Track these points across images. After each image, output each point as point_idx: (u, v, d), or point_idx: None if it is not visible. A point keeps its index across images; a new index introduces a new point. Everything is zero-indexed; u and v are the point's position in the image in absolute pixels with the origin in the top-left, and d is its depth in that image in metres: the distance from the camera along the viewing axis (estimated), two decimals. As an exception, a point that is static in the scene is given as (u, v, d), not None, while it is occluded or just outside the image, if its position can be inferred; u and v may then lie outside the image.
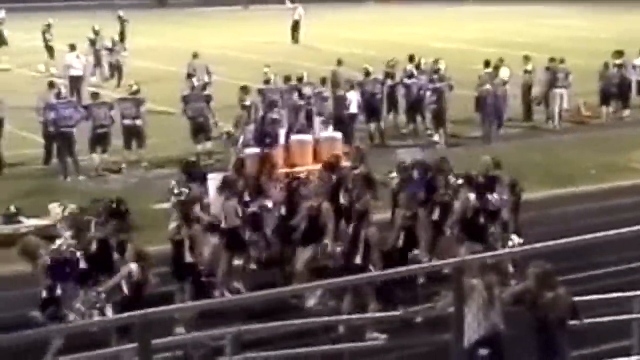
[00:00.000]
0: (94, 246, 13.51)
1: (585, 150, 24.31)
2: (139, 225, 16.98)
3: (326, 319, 12.93)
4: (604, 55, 28.70)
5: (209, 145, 22.83)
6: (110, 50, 33.11)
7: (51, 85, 23.32)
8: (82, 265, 12.88)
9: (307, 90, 24.00)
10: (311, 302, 14.25)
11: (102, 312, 12.30)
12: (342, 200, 15.76)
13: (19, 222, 17.74)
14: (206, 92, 23.64)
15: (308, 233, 14.67)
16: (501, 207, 14.71)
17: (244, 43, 45.00)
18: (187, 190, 15.41)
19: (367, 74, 25.20)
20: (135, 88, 22.76)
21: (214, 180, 16.88)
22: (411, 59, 26.75)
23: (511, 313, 10.38)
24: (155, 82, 30.18)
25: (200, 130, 22.84)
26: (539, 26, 52.87)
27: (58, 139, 22.05)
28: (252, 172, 16.69)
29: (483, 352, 10.08)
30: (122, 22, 39.82)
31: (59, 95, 22.45)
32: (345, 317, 13.06)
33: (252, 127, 22.02)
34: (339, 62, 27.20)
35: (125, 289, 12.42)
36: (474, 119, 25.69)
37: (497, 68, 26.15)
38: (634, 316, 10.93)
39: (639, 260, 14.66)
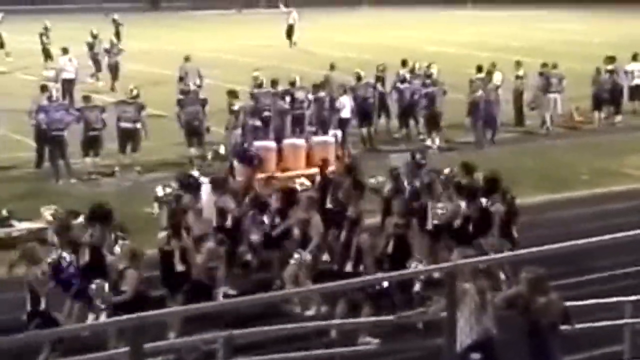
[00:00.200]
0: (86, 255, 13.53)
1: (577, 155, 24.36)
2: (130, 229, 17.02)
3: (318, 323, 12.93)
4: (598, 60, 28.78)
5: (201, 150, 22.81)
6: (108, 52, 33.02)
7: (43, 88, 23.27)
8: (72, 271, 12.97)
9: (299, 94, 24.02)
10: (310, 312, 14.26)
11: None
12: (329, 204, 15.80)
13: (11, 225, 17.68)
14: (201, 96, 23.60)
15: (301, 242, 14.67)
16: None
17: (237, 46, 44.99)
18: (170, 191, 15.46)
19: (359, 78, 25.22)
20: (135, 92, 22.78)
21: (207, 185, 16.89)
22: (404, 63, 26.80)
23: (503, 317, 10.39)
24: (148, 85, 30.10)
25: (194, 134, 22.82)
26: (534, 30, 52.95)
27: (49, 142, 22.01)
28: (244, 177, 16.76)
29: (475, 356, 10.09)
30: (117, 25, 39.77)
31: (50, 98, 22.42)
32: (337, 321, 13.06)
33: (239, 131, 22.07)
34: (332, 67, 27.21)
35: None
36: (467, 123, 25.69)
37: (490, 73, 26.19)
38: (626, 321, 10.94)
39: (631, 265, 14.67)
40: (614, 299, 11.46)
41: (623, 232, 8.72)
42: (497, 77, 26.31)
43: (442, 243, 14.80)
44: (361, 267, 13.38)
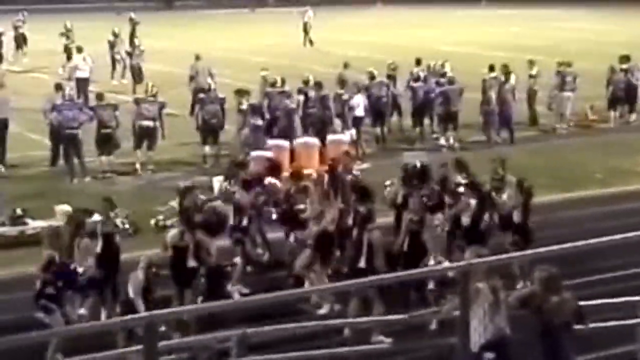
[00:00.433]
0: (99, 244, 13.67)
1: (591, 154, 24.30)
2: (143, 227, 17.12)
3: (331, 321, 12.93)
4: (614, 59, 28.65)
5: (215, 148, 22.83)
6: (130, 54, 32.93)
7: (58, 87, 23.35)
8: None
9: (312, 93, 24.02)
10: (324, 310, 14.27)
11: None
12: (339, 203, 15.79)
13: (25, 223, 17.77)
14: (220, 95, 23.60)
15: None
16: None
17: (250, 45, 45.02)
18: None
19: (372, 77, 25.20)
20: (155, 90, 22.87)
21: (219, 183, 16.95)
22: (418, 62, 26.77)
23: (516, 317, 10.38)
24: (162, 84, 30.17)
25: (210, 132, 22.83)
26: (548, 29, 52.80)
27: (64, 141, 22.08)
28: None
29: (488, 355, 10.07)
30: (134, 24, 39.80)
31: (65, 97, 22.50)
32: (350, 319, 13.06)
33: (246, 131, 22.09)
34: (345, 65, 27.21)
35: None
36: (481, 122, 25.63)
37: (507, 74, 26.05)
38: (639, 320, 10.91)
39: (644, 265, 14.63)
40: (627, 299, 11.43)
41: (636, 232, 8.70)
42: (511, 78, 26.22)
43: (456, 242, 14.80)
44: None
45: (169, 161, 22.98)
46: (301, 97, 23.82)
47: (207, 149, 22.83)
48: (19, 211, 17.89)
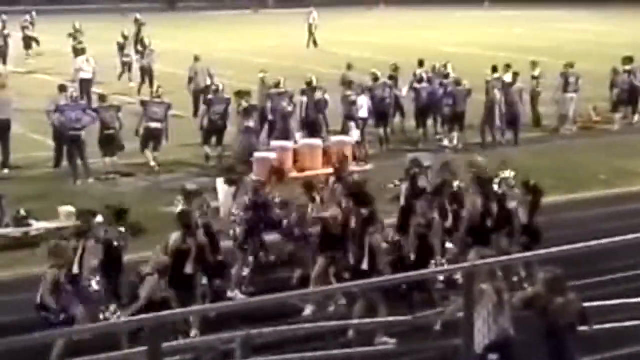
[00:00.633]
0: (101, 250, 13.65)
1: (595, 155, 24.29)
2: (147, 228, 17.09)
3: (335, 323, 12.93)
4: (617, 60, 28.62)
5: (220, 149, 22.84)
6: (141, 55, 32.88)
7: (62, 88, 23.37)
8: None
9: (316, 95, 24.03)
10: (307, 311, 14.25)
11: None
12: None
13: (29, 225, 17.76)
14: (227, 96, 23.60)
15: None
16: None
17: (253, 47, 45.02)
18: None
19: (376, 78, 25.19)
20: (161, 91, 22.90)
21: (223, 184, 16.95)
22: (421, 63, 26.76)
23: (521, 318, 10.37)
24: (165, 85, 30.17)
25: (215, 133, 22.83)
26: (553, 30, 52.79)
27: (67, 142, 22.09)
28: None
29: (493, 357, 10.08)
30: (139, 25, 39.80)
31: (71, 99, 22.54)
32: (354, 321, 13.06)
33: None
34: (349, 66, 27.21)
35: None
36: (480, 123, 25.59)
37: (516, 74, 26.02)
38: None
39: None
40: (632, 300, 11.43)
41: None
42: (507, 78, 26.16)
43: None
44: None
45: (173, 162, 22.99)
46: (304, 99, 23.83)
47: (207, 148, 22.85)
48: (22, 212, 17.88)
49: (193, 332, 13.00)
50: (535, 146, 25.19)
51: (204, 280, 14.04)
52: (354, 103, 23.80)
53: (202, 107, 24.15)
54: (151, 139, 22.38)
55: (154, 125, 22.30)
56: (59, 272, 12.62)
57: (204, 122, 22.97)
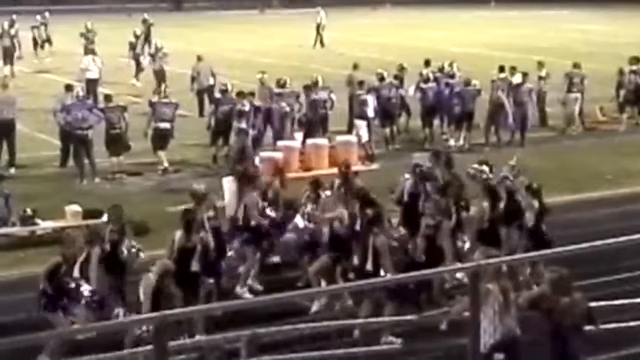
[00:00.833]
0: (107, 249, 13.66)
1: (601, 155, 24.25)
2: (153, 228, 17.12)
3: (341, 322, 12.92)
4: (623, 60, 28.59)
5: (226, 148, 22.85)
6: (153, 56, 32.88)
7: (68, 87, 23.42)
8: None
9: (321, 95, 24.04)
10: (314, 307, 14.26)
11: None
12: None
13: (35, 224, 17.79)
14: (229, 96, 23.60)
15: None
16: None
17: (260, 46, 45.06)
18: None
19: (382, 78, 25.20)
20: (168, 91, 22.93)
21: (229, 183, 16.96)
22: (427, 63, 26.75)
23: (526, 318, 10.37)
24: (171, 85, 30.26)
25: (223, 133, 22.85)
26: (559, 30, 52.73)
27: (74, 141, 22.12)
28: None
29: (498, 356, 10.08)
30: (148, 25, 39.83)
31: (78, 98, 22.58)
32: (360, 320, 13.06)
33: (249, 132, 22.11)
34: (355, 66, 27.22)
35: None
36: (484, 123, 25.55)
37: (525, 75, 25.99)
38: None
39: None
40: (638, 300, 11.42)
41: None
42: (517, 79, 26.14)
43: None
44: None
45: (179, 162, 23.00)
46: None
47: (215, 150, 22.86)
48: (29, 211, 17.91)
49: (198, 334, 13.03)
50: (541, 146, 25.16)
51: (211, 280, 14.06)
52: (365, 102, 23.83)
53: (210, 107, 24.17)
54: (161, 139, 22.37)
55: (163, 125, 22.31)
56: (62, 263, 12.67)
57: (212, 122, 22.97)
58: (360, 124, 23.48)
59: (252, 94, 23.18)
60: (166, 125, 22.34)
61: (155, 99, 22.99)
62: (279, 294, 8.53)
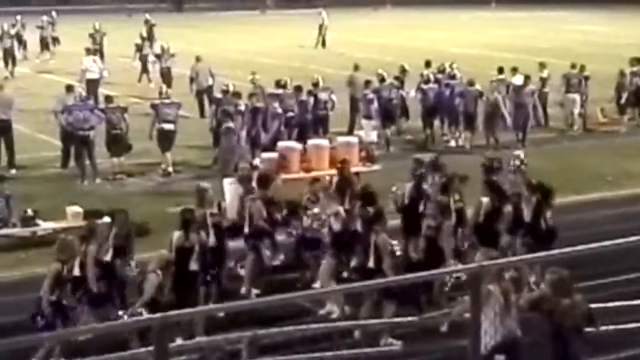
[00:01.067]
0: (109, 254, 13.66)
1: (602, 156, 24.26)
2: (153, 229, 17.13)
3: (342, 323, 12.93)
4: (623, 61, 28.60)
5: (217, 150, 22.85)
6: (159, 58, 32.84)
7: (69, 88, 23.42)
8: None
9: (322, 95, 24.05)
10: (331, 310, 14.25)
11: None
12: (347, 205, 15.79)
13: (36, 224, 17.80)
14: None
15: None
16: None
17: (261, 47, 45.06)
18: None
19: (382, 79, 25.22)
20: (169, 92, 22.97)
21: (230, 185, 16.97)
22: (427, 64, 26.77)
23: (527, 319, 10.37)
24: (173, 85, 30.29)
25: None
26: (560, 31, 52.74)
27: (75, 142, 22.13)
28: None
29: (499, 358, 10.08)
30: (150, 25, 39.84)
31: (80, 98, 22.59)
32: (360, 322, 13.06)
33: (244, 133, 22.10)
34: (356, 67, 27.24)
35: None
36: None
37: (527, 77, 25.99)
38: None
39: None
40: (638, 302, 11.41)
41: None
42: (518, 80, 26.14)
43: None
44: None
45: (180, 163, 22.98)
46: (311, 99, 23.84)
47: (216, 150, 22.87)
48: (30, 212, 17.91)
49: (197, 335, 13.04)
50: (542, 147, 25.15)
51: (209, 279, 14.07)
52: (372, 101, 23.86)
53: (211, 108, 24.15)
54: (166, 140, 22.34)
55: (167, 126, 22.28)
56: (63, 266, 12.66)
57: (214, 123, 22.96)
58: (368, 124, 23.48)
59: (252, 94, 23.14)
60: (170, 126, 22.33)
61: (156, 100, 23.00)
62: (280, 295, 8.53)
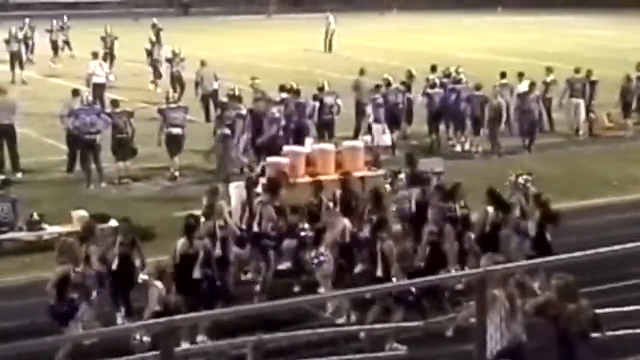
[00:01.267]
0: (115, 262, 13.69)
1: (607, 161, 24.23)
2: (159, 233, 17.14)
3: (347, 328, 12.93)
4: (629, 66, 28.57)
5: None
6: (170, 62, 32.85)
7: (75, 92, 23.45)
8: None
9: (328, 99, 24.07)
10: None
11: None
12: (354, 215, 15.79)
13: (42, 228, 17.81)
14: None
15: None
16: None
17: (267, 51, 45.08)
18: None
19: (388, 84, 25.23)
20: (176, 96, 23.00)
21: (236, 189, 16.98)
22: (433, 68, 26.76)
23: (533, 324, 10.35)
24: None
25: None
26: (566, 36, 52.71)
27: (80, 146, 22.15)
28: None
29: (505, 363, 10.06)
30: (157, 30, 39.88)
31: (87, 102, 22.62)
32: (365, 326, 13.05)
33: (245, 137, 22.11)
34: (362, 71, 27.25)
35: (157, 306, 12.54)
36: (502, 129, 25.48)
37: (533, 84, 25.93)
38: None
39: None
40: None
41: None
42: (523, 87, 26.10)
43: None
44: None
45: (186, 167, 22.98)
46: (316, 104, 23.85)
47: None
48: (35, 216, 17.93)
49: (200, 338, 13.04)
50: (548, 152, 25.15)
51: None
52: (381, 106, 23.87)
53: (217, 112, 24.14)
54: (174, 144, 22.33)
55: (175, 130, 22.26)
56: (68, 268, 12.68)
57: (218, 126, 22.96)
58: (378, 128, 23.49)
59: (257, 99, 23.14)
60: (178, 130, 22.32)
61: (163, 105, 23.01)
62: (286, 300, 8.55)
